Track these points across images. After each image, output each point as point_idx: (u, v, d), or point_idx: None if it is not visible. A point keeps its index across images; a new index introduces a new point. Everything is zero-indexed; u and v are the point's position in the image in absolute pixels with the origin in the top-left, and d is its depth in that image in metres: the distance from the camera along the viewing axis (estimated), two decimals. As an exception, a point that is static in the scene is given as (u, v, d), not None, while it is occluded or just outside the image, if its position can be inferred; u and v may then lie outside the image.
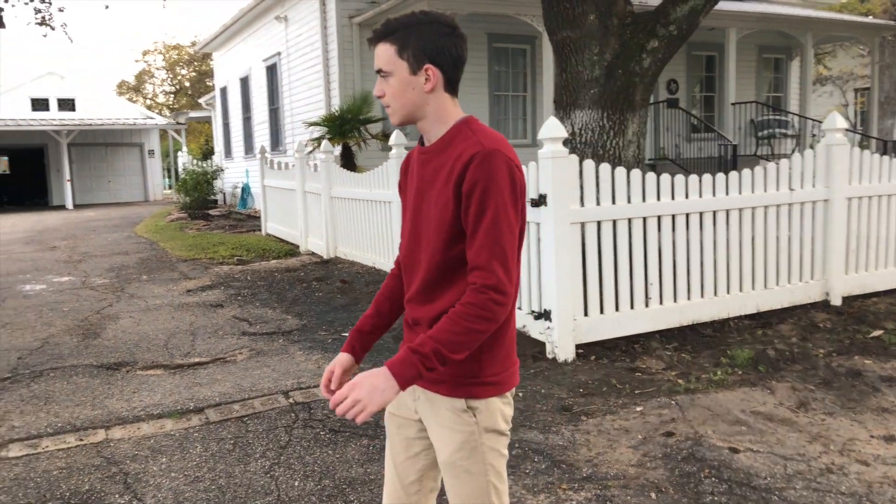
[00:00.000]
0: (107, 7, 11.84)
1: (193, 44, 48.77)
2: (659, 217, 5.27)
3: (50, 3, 10.34)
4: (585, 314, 5.06)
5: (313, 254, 9.65)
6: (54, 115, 26.65)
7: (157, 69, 56.44)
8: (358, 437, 3.77)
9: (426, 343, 1.56)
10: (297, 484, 3.29)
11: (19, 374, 4.90)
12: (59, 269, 9.55)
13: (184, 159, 20.50)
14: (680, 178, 5.39)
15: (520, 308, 5.33)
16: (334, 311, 6.42)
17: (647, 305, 5.26)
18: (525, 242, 5.18)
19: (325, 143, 9.44)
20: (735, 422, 3.85)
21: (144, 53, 60.35)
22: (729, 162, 13.19)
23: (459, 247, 1.65)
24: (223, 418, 4.03)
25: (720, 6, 13.55)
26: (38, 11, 10.22)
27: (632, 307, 5.21)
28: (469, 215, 1.65)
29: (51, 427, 3.94)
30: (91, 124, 24.83)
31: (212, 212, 17.30)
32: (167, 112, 41.08)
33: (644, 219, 5.20)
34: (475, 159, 1.64)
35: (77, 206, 24.24)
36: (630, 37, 6.19)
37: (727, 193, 5.56)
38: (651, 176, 5.23)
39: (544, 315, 4.99)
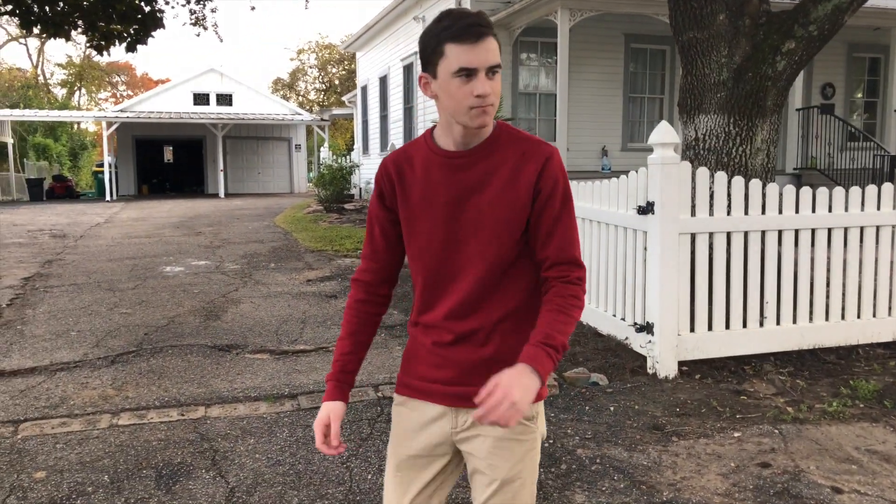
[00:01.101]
0: (252, 8, 12.57)
1: (343, 42, 50.78)
2: (780, 231, 4.91)
3: (204, 5, 11.13)
4: (692, 330, 4.80)
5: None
6: (213, 109, 28.71)
7: (310, 67, 59.34)
8: (438, 436, 3.77)
9: (551, 336, 1.56)
10: (369, 477, 3.35)
11: (143, 349, 5.30)
12: (199, 254, 10.26)
13: (325, 154, 21.43)
14: (806, 190, 5.00)
15: (622, 319, 5.15)
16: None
17: (761, 325, 4.92)
18: (629, 250, 4.99)
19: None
20: (844, 459, 3.52)
21: (299, 52, 63.63)
22: (886, 174, 12.10)
23: (520, 246, 1.68)
24: (313, 406, 4.17)
25: (885, 3, 12.44)
26: (192, 13, 11.04)
27: (744, 326, 4.88)
28: (550, 212, 1.67)
29: (158, 400, 4.23)
30: (244, 119, 26.48)
31: (347, 206, 17.96)
32: (317, 108, 43.11)
33: (762, 232, 4.87)
34: (552, 159, 1.68)
35: (228, 195, 25.94)
36: (763, 38, 5.80)
37: (863, 209, 5.10)
38: (773, 187, 4.89)
39: (646, 328, 4.79)
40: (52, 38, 10.62)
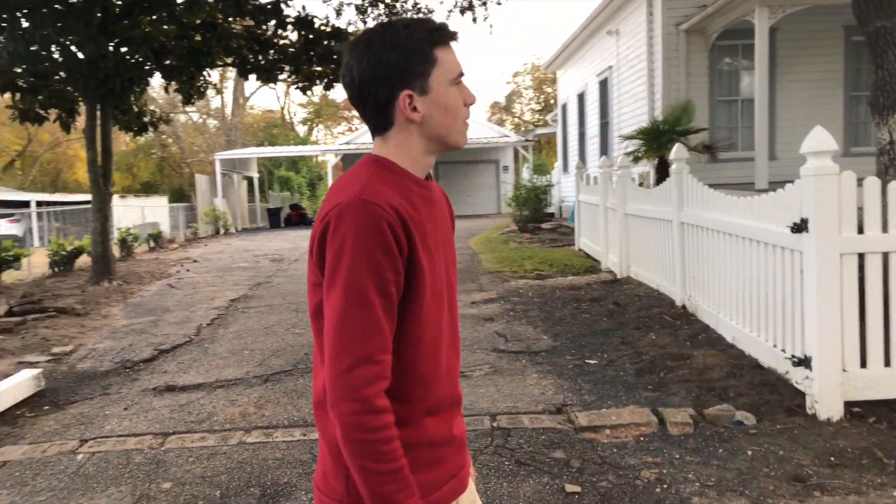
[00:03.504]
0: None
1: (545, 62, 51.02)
2: (979, 249, 4.07)
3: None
4: (863, 365, 4.12)
5: (611, 272, 9.41)
6: (426, 137, 30.14)
7: (525, 89, 60.29)
8: (540, 473, 3.60)
9: None
10: (456, 512, 3.26)
11: (297, 369, 5.66)
12: (386, 276, 10.77)
13: (527, 175, 21.61)
14: None
15: (782, 350, 4.55)
16: (592, 335, 6.18)
17: (956, 362, 4.10)
18: (786, 271, 4.43)
19: (621, 157, 9.16)
20: None
21: (515, 75, 65.01)
22: None
23: None
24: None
25: None
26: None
27: (933, 362, 4.10)
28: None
29: (288, 420, 4.48)
30: (453, 144, 27.47)
31: (544, 225, 17.90)
32: (524, 130, 43.68)
33: (954, 251, 4.06)
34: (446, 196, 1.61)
35: (438, 218, 27.01)
36: (967, 18, 4.90)
37: None
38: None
39: (803, 362, 4.19)
40: (265, 84, 11.86)
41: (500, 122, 61.58)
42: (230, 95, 42.40)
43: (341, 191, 1.34)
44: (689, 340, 5.68)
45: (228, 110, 43.62)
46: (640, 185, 10.83)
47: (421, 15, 12.06)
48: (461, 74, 1.42)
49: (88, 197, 12.06)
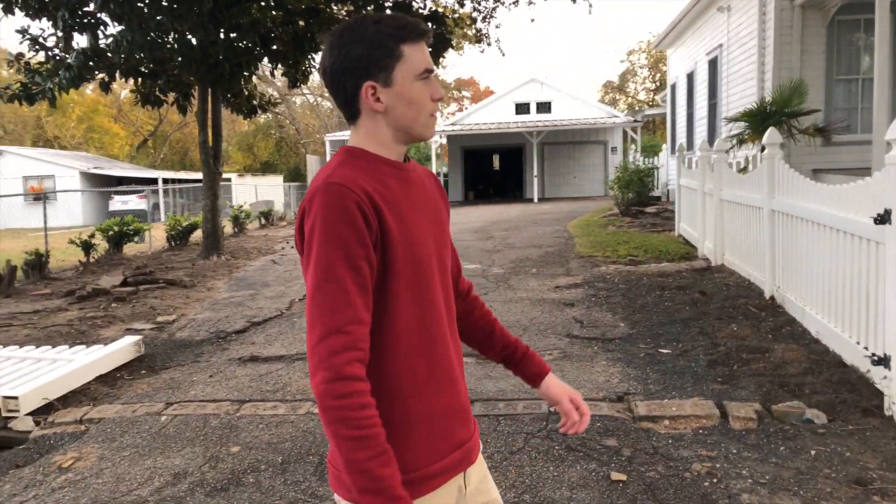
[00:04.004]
0: (532, 20, 12.87)
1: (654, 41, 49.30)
2: None
3: (488, 23, 11.77)
4: (950, 367, 3.85)
5: (706, 259, 9.10)
6: (532, 118, 29.92)
7: (640, 67, 58.52)
8: (589, 459, 3.60)
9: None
10: (499, 491, 3.33)
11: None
12: (476, 257, 10.88)
13: (633, 156, 21.07)
14: None
15: (865, 347, 4.31)
16: (670, 323, 6.04)
17: None
18: (870, 266, 4.19)
19: (718, 140, 8.79)
20: None
21: (629, 53, 63.19)
22: None
23: None
24: (483, 413, 4.24)
25: None
26: (477, 31, 11.75)
27: None
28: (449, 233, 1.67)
29: (354, 394, 4.67)
30: (558, 125, 27.13)
31: (648, 209, 17.44)
32: (643, 108, 42.36)
33: None
34: (436, 176, 1.73)
35: (541, 200, 26.83)
36: None
37: None
38: None
39: (883, 361, 3.96)
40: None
41: (613, 102, 60.19)
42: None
43: (316, 179, 1.43)
44: (772, 333, 5.45)
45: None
46: (744, 169, 10.39)
47: None
48: (428, 71, 1.48)
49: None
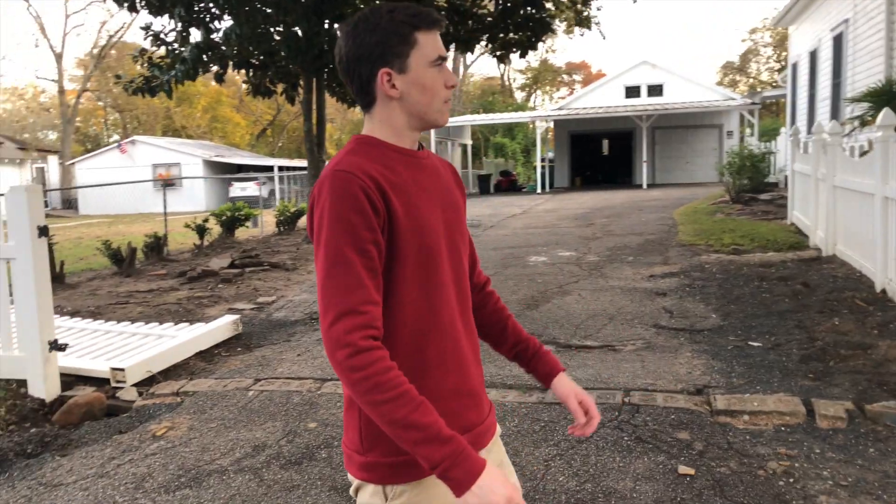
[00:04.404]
0: (635, 1, 12.44)
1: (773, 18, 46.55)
2: None
3: (589, 6, 11.51)
4: None
5: (817, 249, 8.59)
6: (643, 101, 29.06)
7: (764, 46, 55.51)
8: (658, 452, 3.52)
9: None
10: (561, 479, 3.32)
11: (455, 330, 5.92)
12: (573, 244, 10.73)
13: (750, 140, 20.07)
14: None
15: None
16: (766, 316, 5.76)
17: None
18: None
19: (832, 123, 8.24)
20: None
21: (752, 31, 60.04)
22: None
23: None
24: (555, 401, 4.21)
25: None
26: (578, 13, 11.51)
27: None
28: (465, 223, 1.68)
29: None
30: (668, 108, 26.22)
31: (761, 196, 16.59)
32: (761, 90, 40.22)
33: None
34: (453, 167, 1.74)
35: (650, 186, 26.05)
36: None
37: None
38: None
39: None
40: (462, 53, 12.19)
41: (733, 84, 57.46)
42: (450, 64, 43.79)
43: (327, 167, 1.48)
44: (878, 329, 5.10)
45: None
46: (865, 153, 9.70)
47: None
48: (441, 58, 1.50)
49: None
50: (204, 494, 3.37)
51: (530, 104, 54.13)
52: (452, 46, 12.36)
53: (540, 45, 11.75)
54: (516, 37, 11.70)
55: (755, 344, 5.09)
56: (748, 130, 25.69)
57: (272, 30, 11.23)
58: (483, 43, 12.14)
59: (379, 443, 1.45)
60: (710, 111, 27.59)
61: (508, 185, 30.07)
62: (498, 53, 12.16)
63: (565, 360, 4.94)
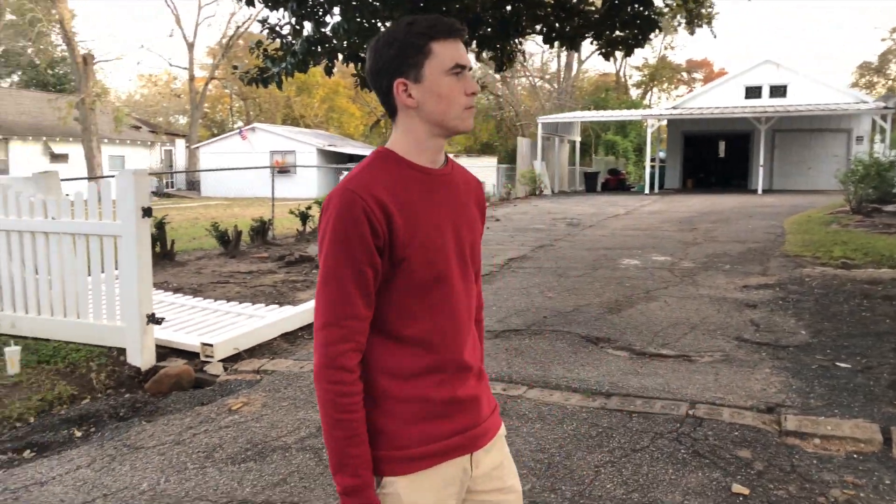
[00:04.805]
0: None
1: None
2: None
3: (699, 3, 11.09)
4: None
5: (937, 267, 8.00)
6: (764, 102, 27.72)
7: (906, 46, 51.78)
8: (713, 468, 3.43)
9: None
10: (608, 486, 3.30)
11: (529, 329, 5.93)
12: (669, 249, 10.44)
13: (879, 147, 18.76)
14: None
15: None
16: (861, 336, 5.43)
17: None
18: None
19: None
20: None
21: (893, 31, 55.82)
22: None
23: None
24: (618, 408, 4.16)
25: None
26: (689, 12, 11.12)
27: None
28: (479, 242, 1.74)
29: (495, 374, 4.78)
30: (790, 111, 24.88)
31: (887, 207, 15.49)
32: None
33: None
34: (482, 185, 1.79)
35: (766, 192, 24.84)
36: None
37: None
38: None
39: None
40: (567, 50, 12.12)
41: (869, 86, 53.80)
42: (563, 59, 43.29)
43: (342, 181, 1.56)
44: None
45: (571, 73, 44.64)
46: None
47: None
48: (458, 66, 1.53)
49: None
50: (266, 468, 3.57)
51: (645, 102, 52.66)
52: (557, 44, 12.25)
53: (655, 41, 11.48)
54: (623, 34, 11.45)
55: (843, 365, 4.82)
56: (878, 137, 24.02)
57: (379, 24, 11.50)
58: (589, 40, 11.95)
59: (376, 438, 1.53)
60: (838, 114, 25.99)
61: (617, 184, 29.47)
62: (604, 51, 11.95)
63: (636, 368, 4.87)
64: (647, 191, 26.62)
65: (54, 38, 38.55)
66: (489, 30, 12.14)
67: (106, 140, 30.81)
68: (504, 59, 12.97)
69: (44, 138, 30.04)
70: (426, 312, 1.55)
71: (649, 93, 55.69)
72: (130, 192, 5.13)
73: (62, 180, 7.11)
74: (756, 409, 4.10)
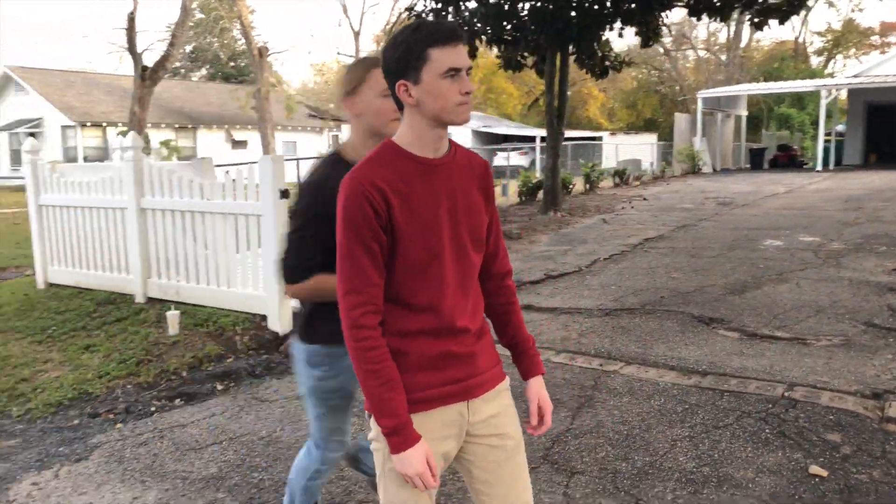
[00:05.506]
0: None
1: None
2: None
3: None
4: None
5: None
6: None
7: None
8: (795, 449, 3.39)
9: (531, 338, 2.04)
10: (681, 459, 3.37)
11: (643, 309, 5.93)
12: (822, 230, 9.81)
13: None
14: None
15: None
16: None
17: None
18: None
19: None
20: None
21: None
22: None
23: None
24: (711, 387, 4.16)
25: None
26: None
27: None
28: (493, 221, 1.97)
29: (598, 349, 4.89)
30: None
31: None
32: None
33: None
34: (487, 167, 1.97)
35: (962, 166, 22.25)
36: None
37: None
38: None
39: None
40: (713, 21, 11.51)
41: None
42: (734, 28, 40.82)
43: (350, 171, 1.83)
44: None
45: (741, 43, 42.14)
46: None
47: None
48: (453, 69, 1.75)
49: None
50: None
51: (827, 71, 48.46)
52: (705, 14, 11.78)
53: (840, 2, 10.74)
54: (776, 2, 10.82)
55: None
56: None
57: (519, 6, 11.64)
58: (738, 10, 11.40)
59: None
60: None
61: (787, 161, 27.57)
62: (756, 20, 11.35)
63: (742, 349, 4.78)
64: (819, 167, 24.72)
65: (235, 33, 41.93)
66: (633, 5, 11.92)
67: (280, 127, 33.19)
68: (649, 34, 12.68)
69: (226, 126, 32.95)
70: (424, 286, 1.81)
71: (833, 60, 51.18)
72: (269, 177, 5.72)
73: (216, 166, 7.96)
74: (861, 394, 3.94)
